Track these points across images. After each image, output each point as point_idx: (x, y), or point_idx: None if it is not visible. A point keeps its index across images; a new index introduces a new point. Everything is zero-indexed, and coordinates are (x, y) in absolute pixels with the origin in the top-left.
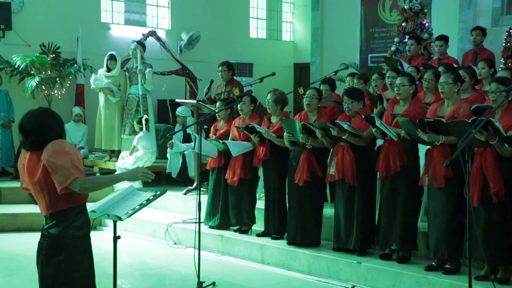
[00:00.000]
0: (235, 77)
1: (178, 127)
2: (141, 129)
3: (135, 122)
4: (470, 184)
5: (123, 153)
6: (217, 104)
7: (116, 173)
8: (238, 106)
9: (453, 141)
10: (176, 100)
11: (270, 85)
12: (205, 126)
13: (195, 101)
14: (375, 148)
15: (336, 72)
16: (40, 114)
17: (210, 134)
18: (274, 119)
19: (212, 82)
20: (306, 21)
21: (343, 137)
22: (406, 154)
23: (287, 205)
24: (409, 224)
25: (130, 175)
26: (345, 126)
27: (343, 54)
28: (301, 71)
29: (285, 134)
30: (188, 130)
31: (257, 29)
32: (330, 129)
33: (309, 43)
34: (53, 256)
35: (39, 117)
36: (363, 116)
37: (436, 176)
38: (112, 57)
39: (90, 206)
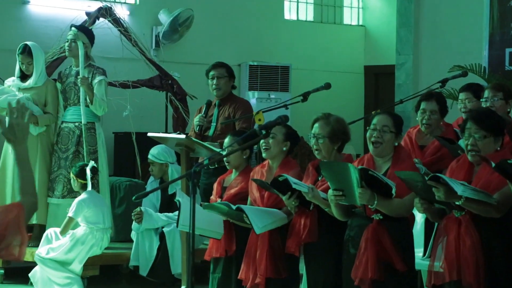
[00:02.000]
0: (248, 92)
1: (152, 183)
2: (84, 187)
3: (73, 175)
4: None
5: (51, 232)
6: (226, 140)
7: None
8: (262, 144)
9: None
10: (149, 135)
11: (321, 107)
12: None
13: (183, 136)
14: None
15: (443, 82)
16: None
17: (213, 197)
18: None
19: (209, 104)
20: None
21: (457, 203)
22: None
23: None
24: None
25: None
26: (458, 190)
27: (457, 50)
28: (379, 81)
29: (330, 192)
30: (171, 189)
31: (298, 5)
32: (433, 189)
33: (394, 29)
34: None
35: None
36: (493, 164)
37: None
38: (25, 50)
39: None
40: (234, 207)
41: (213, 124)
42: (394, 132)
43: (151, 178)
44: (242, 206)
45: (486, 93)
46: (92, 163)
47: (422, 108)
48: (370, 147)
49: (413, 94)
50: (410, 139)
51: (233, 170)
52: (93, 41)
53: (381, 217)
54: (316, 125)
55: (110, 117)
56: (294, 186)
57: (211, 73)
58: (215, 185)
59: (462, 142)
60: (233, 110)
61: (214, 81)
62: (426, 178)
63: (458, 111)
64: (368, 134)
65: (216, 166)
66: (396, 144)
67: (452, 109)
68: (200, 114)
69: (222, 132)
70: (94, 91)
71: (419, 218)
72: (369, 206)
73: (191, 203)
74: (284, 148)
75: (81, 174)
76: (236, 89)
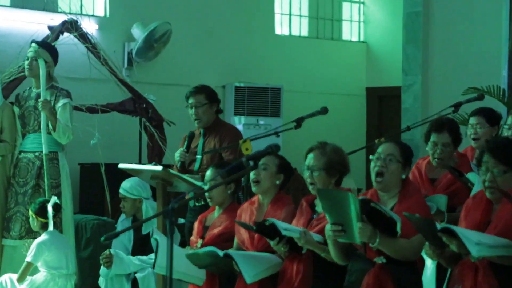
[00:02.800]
0: (234, 117)
1: (123, 222)
2: (45, 226)
3: (32, 212)
4: None
5: (6, 278)
6: (208, 173)
7: None
8: (252, 177)
9: None
10: (120, 166)
11: (317, 135)
12: (182, 220)
13: (159, 168)
14: None
15: (456, 106)
16: None
17: (193, 237)
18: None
19: (192, 136)
20: (393, 1)
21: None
22: None
23: None
24: None
25: None
26: (473, 250)
27: (472, 69)
28: (383, 104)
29: (327, 227)
30: (145, 229)
31: (290, 18)
32: (439, 234)
33: (400, 46)
34: None
35: None
36: None
37: None
38: None
39: None
40: (221, 253)
41: (198, 156)
42: (401, 162)
43: (122, 216)
44: (231, 252)
45: (510, 120)
46: (54, 199)
47: (432, 140)
48: (374, 182)
49: (421, 120)
50: (419, 172)
51: (216, 207)
52: (57, 59)
53: (384, 261)
54: (311, 155)
55: (75, 146)
56: (284, 232)
57: (189, 101)
58: (195, 224)
59: (471, 175)
60: (219, 140)
61: (193, 111)
62: (439, 227)
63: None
64: (371, 165)
65: (203, 203)
66: (404, 177)
67: (466, 137)
68: (181, 149)
69: (209, 165)
70: (57, 116)
71: (430, 262)
72: (370, 245)
73: (169, 245)
74: (277, 182)
75: (41, 212)
76: (222, 113)
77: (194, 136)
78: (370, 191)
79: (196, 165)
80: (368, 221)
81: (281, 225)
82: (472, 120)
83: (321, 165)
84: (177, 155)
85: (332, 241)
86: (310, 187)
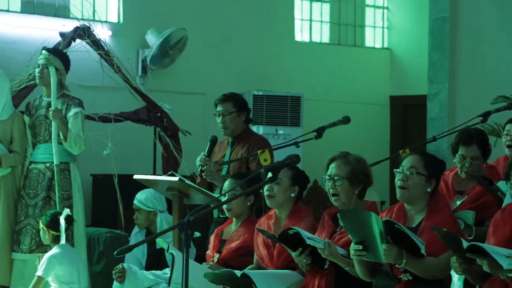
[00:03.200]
0: (252, 126)
1: (136, 235)
2: (56, 239)
3: (43, 225)
4: None
5: None
6: (225, 184)
7: None
8: (266, 191)
9: None
10: (135, 177)
11: (338, 145)
12: (198, 234)
13: (176, 178)
14: None
15: (485, 116)
16: None
17: (209, 251)
18: None
19: (215, 141)
20: (418, 7)
21: (508, 276)
22: None
23: None
24: None
25: None
26: (504, 263)
27: (501, 77)
28: (408, 114)
29: (352, 246)
30: (160, 243)
31: (311, 24)
32: (468, 255)
33: (425, 53)
34: None
35: None
36: None
37: None
38: None
39: None
40: (239, 273)
41: (225, 166)
42: (425, 175)
43: (136, 229)
44: (249, 272)
45: None
46: (66, 211)
47: (461, 153)
48: (398, 194)
49: (448, 130)
50: (446, 184)
51: (234, 219)
52: (69, 66)
53: (410, 278)
54: (333, 165)
55: (87, 157)
56: (308, 241)
57: (217, 109)
58: (211, 238)
59: (502, 184)
60: (246, 151)
61: (220, 119)
62: (465, 244)
63: (502, 146)
64: (396, 178)
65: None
66: (429, 190)
67: (495, 148)
68: (203, 153)
69: None
70: (69, 126)
71: (457, 278)
72: (397, 266)
73: (184, 259)
74: (293, 194)
75: (53, 225)
76: (251, 122)
77: (216, 141)
78: (397, 205)
79: (222, 174)
80: (392, 239)
81: (305, 234)
82: (509, 127)
83: (344, 174)
84: (198, 160)
85: (358, 262)
86: (332, 199)
